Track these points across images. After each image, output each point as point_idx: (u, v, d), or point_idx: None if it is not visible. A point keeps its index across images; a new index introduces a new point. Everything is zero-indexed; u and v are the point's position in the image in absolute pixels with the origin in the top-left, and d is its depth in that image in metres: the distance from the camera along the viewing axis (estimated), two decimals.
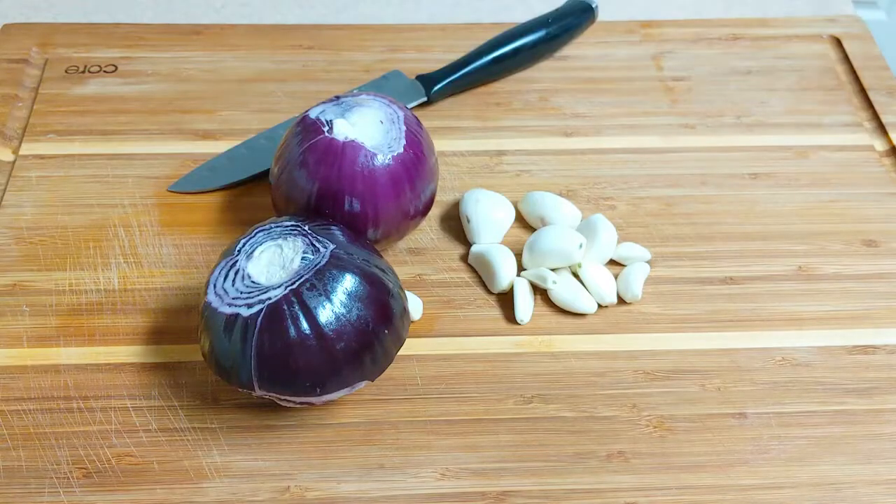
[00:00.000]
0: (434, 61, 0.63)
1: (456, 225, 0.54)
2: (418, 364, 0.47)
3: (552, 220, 0.52)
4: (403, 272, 0.51)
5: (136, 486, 0.43)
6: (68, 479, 0.43)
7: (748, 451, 0.45)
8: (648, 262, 0.52)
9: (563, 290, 0.50)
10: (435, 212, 0.54)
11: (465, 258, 0.52)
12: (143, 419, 0.45)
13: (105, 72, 0.62)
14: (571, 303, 0.49)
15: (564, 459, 0.44)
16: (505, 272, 0.50)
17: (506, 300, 0.50)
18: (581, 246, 0.50)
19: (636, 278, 0.50)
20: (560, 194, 0.54)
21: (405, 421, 0.45)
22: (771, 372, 0.48)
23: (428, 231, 0.53)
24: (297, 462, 0.44)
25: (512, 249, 0.51)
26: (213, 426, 0.45)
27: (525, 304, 0.49)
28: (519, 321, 0.49)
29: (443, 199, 0.55)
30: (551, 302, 0.50)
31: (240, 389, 0.42)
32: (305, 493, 0.43)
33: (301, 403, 0.43)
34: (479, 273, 0.51)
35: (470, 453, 0.44)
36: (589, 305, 0.49)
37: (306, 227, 0.44)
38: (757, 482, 0.44)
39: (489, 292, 0.51)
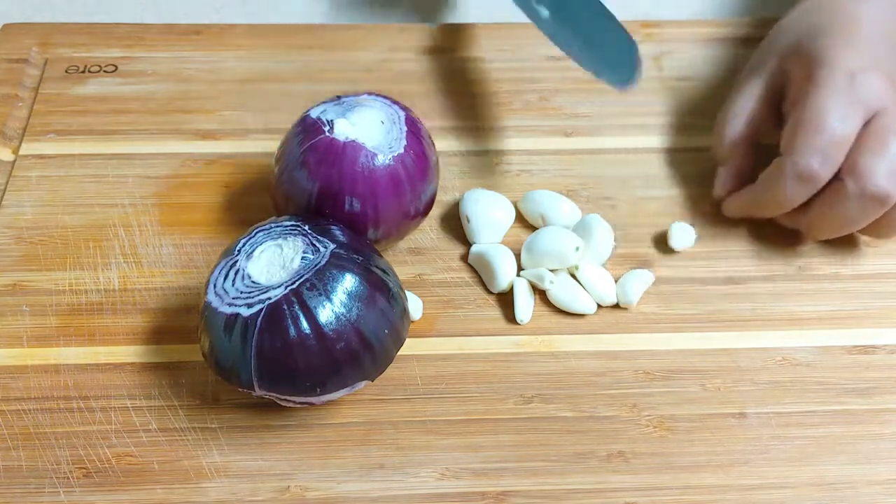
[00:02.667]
0: (434, 61, 0.63)
1: (456, 225, 0.54)
2: (418, 364, 0.47)
3: (552, 219, 0.52)
4: (403, 272, 0.51)
5: (136, 486, 0.43)
6: (68, 479, 0.43)
7: (748, 451, 0.45)
8: (651, 269, 0.52)
9: (562, 290, 0.50)
10: (435, 212, 0.54)
11: (465, 258, 0.52)
12: (143, 419, 0.45)
13: (105, 72, 0.62)
14: (570, 303, 0.49)
15: (564, 459, 0.44)
16: (505, 272, 0.50)
17: (506, 300, 0.50)
18: (578, 248, 0.50)
19: (634, 284, 0.50)
20: (560, 194, 0.54)
21: (405, 421, 0.45)
22: (771, 372, 0.48)
23: (428, 231, 0.53)
24: (297, 462, 0.44)
25: (512, 249, 0.51)
26: (213, 426, 0.45)
27: (525, 304, 0.49)
28: (519, 321, 0.49)
29: (443, 199, 0.55)
30: (551, 302, 0.50)
31: (240, 389, 0.42)
32: (305, 493, 0.43)
33: (301, 403, 0.43)
34: (479, 273, 0.51)
35: (470, 453, 0.44)
36: (588, 306, 0.49)
37: (306, 227, 0.44)
38: (757, 482, 0.44)
39: (489, 292, 0.51)
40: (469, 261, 0.52)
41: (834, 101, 0.48)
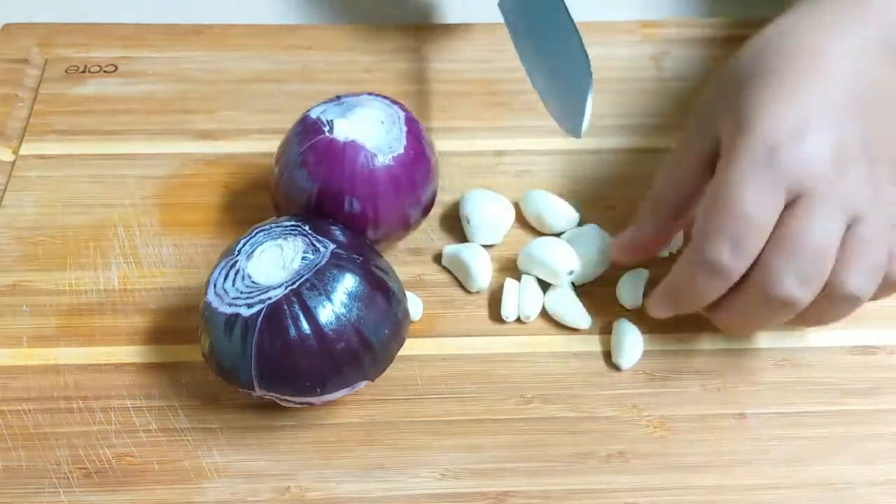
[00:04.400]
0: (434, 61, 0.63)
1: (456, 225, 0.54)
2: (418, 364, 0.47)
3: (551, 220, 0.52)
4: (403, 272, 0.51)
5: (136, 486, 0.43)
6: (68, 479, 0.43)
7: (749, 451, 0.45)
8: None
9: (557, 303, 0.49)
10: (435, 212, 0.54)
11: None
12: (143, 419, 0.45)
13: (105, 72, 0.62)
14: (563, 317, 0.49)
15: (564, 459, 0.44)
16: (481, 271, 0.50)
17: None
18: (571, 272, 0.49)
19: (636, 285, 0.50)
20: (560, 194, 0.54)
21: (405, 421, 0.45)
22: (771, 372, 0.48)
23: (428, 231, 0.53)
24: (297, 462, 0.44)
25: (512, 249, 0.51)
26: (213, 426, 0.45)
27: (512, 303, 0.49)
28: (504, 318, 0.49)
29: (443, 199, 0.55)
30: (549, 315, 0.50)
31: (240, 389, 0.42)
32: (305, 493, 0.43)
33: (301, 403, 0.43)
34: (455, 274, 0.51)
35: (470, 453, 0.44)
36: (583, 321, 0.49)
37: (306, 227, 0.44)
38: (758, 482, 0.44)
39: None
40: (443, 263, 0.51)
41: (751, 178, 0.40)
